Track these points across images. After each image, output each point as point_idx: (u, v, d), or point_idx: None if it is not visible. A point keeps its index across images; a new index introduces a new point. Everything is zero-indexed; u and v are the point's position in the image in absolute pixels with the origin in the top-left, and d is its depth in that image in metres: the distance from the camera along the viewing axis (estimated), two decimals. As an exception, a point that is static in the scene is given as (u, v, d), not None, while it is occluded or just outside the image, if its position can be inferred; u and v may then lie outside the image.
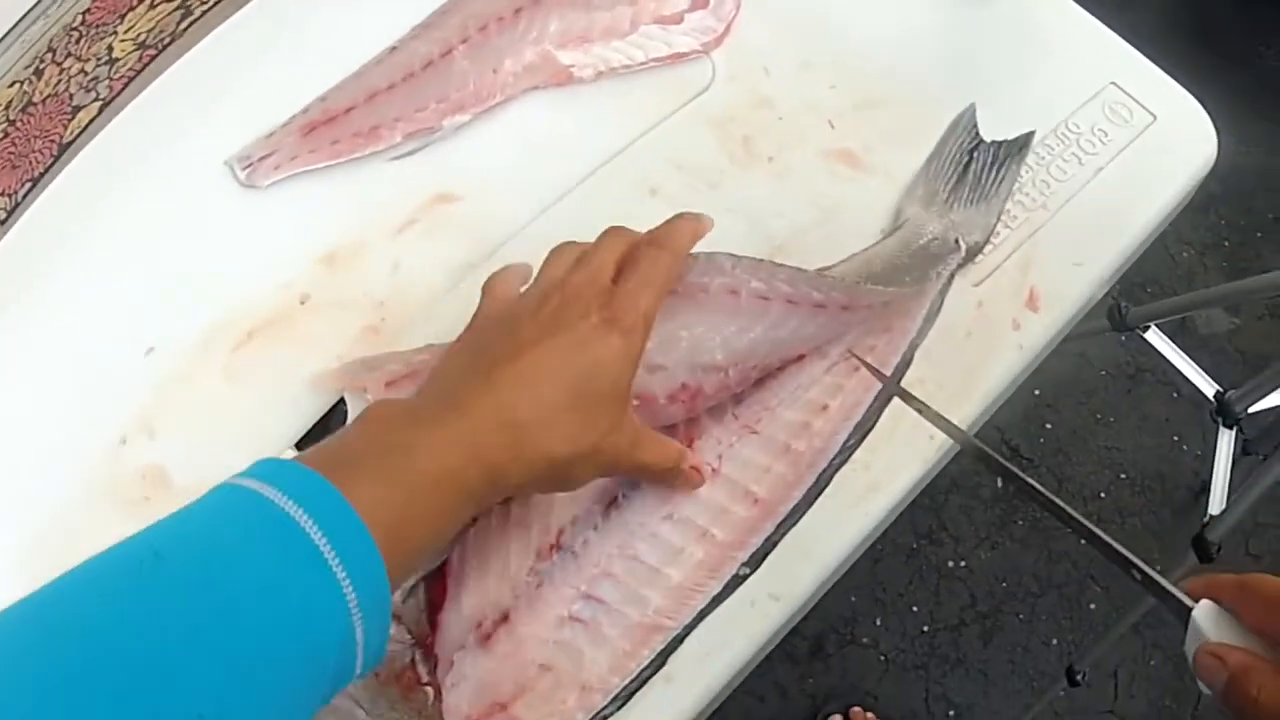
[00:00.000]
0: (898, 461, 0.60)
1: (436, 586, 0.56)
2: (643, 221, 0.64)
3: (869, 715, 1.44)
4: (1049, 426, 1.60)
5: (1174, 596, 0.44)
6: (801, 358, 0.60)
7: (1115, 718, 1.49)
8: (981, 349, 0.63)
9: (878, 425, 0.60)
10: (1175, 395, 1.64)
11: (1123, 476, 1.58)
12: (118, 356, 0.69)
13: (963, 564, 1.52)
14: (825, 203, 0.65)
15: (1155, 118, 0.70)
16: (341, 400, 0.65)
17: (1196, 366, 1.32)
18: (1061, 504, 0.51)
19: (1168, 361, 1.32)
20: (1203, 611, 0.42)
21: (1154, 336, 1.29)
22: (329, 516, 0.37)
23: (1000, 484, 1.53)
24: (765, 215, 0.64)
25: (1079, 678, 1.25)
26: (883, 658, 1.48)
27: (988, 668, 1.47)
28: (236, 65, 0.76)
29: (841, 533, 0.59)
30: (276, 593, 0.35)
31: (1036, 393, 1.58)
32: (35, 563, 0.64)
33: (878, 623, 1.50)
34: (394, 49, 0.71)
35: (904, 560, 1.52)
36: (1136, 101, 0.70)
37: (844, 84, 0.70)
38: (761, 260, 0.57)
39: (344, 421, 0.66)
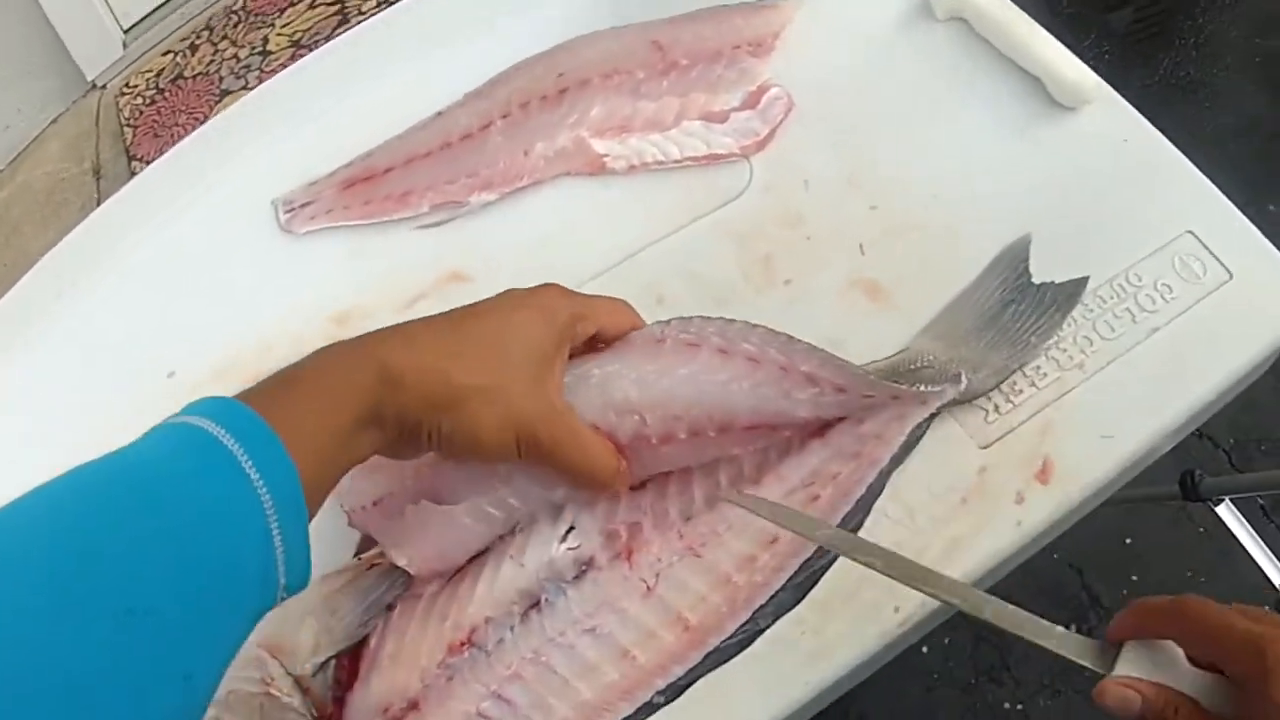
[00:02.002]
0: (852, 631, 0.56)
1: (350, 666, 0.58)
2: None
3: None
4: (1135, 578, 1.49)
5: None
6: (759, 473, 0.59)
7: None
8: (975, 520, 0.57)
9: (841, 584, 0.57)
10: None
11: None
12: (143, 374, 0.74)
13: (1019, 707, 1.44)
14: (835, 335, 0.62)
15: (1231, 276, 0.62)
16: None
17: (1271, 554, 1.18)
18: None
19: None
20: (1128, 649, 0.45)
21: (1226, 513, 1.16)
22: (244, 431, 0.42)
23: (1073, 630, 1.45)
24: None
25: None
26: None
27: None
28: (305, 99, 0.81)
29: (777, 696, 0.56)
30: (195, 494, 0.40)
31: (1128, 541, 1.48)
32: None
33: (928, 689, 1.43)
34: (439, 114, 0.74)
35: (959, 692, 1.44)
36: (1213, 255, 0.63)
37: (886, 206, 0.67)
38: (692, 317, 0.58)
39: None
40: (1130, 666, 0.45)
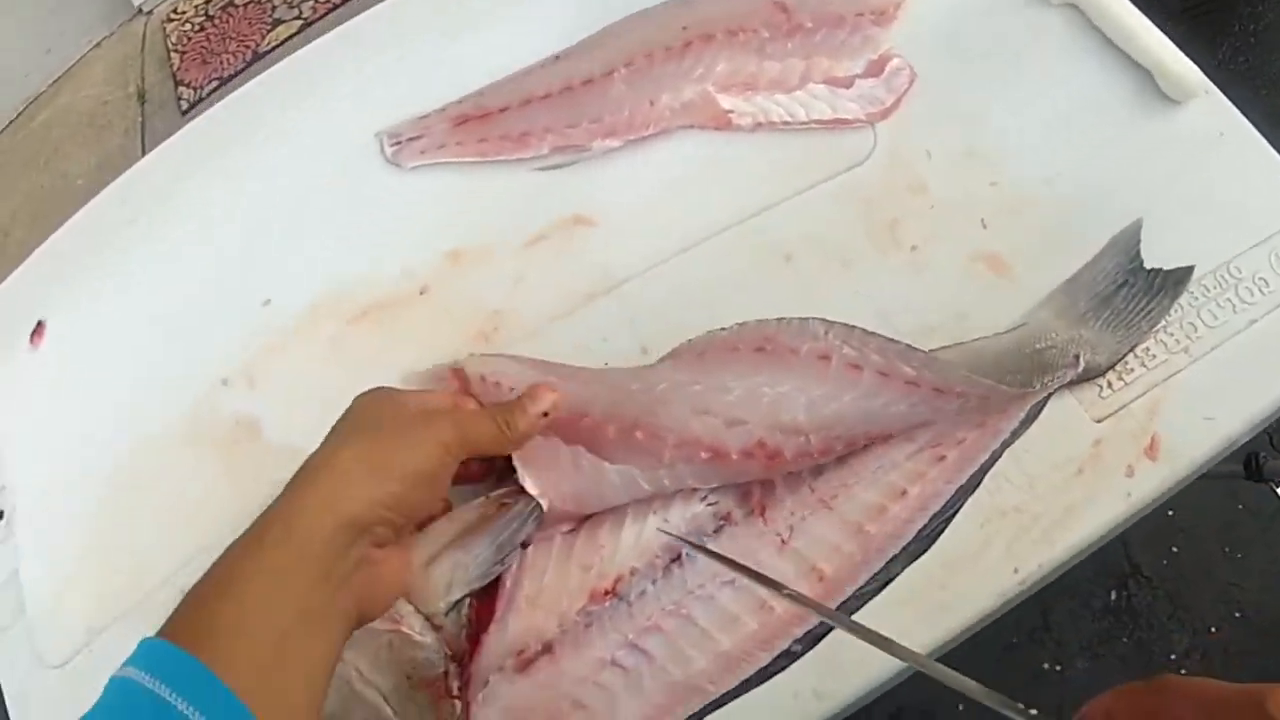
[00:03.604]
0: (975, 588, 0.60)
1: (484, 607, 0.60)
2: (771, 286, 0.66)
3: None
4: (1175, 550, 1.56)
5: None
6: (888, 438, 0.61)
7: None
8: (1089, 489, 0.62)
9: (965, 547, 0.61)
10: (1312, 547, 1.59)
11: (1238, 615, 1.54)
12: (237, 300, 0.74)
13: (1058, 668, 1.51)
14: (959, 305, 0.66)
15: None
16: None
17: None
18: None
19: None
20: None
21: None
22: (177, 677, 0.42)
23: (1114, 597, 1.52)
24: (894, 306, 0.65)
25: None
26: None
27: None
28: (408, 35, 0.80)
29: (903, 642, 0.59)
30: None
31: (1170, 513, 1.55)
32: (118, 483, 0.70)
33: (959, 709, 1.49)
34: (557, 58, 0.74)
35: (1000, 652, 1.51)
36: (1306, 252, 0.68)
37: (1006, 182, 0.70)
38: (854, 327, 0.59)
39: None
40: None
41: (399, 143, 0.75)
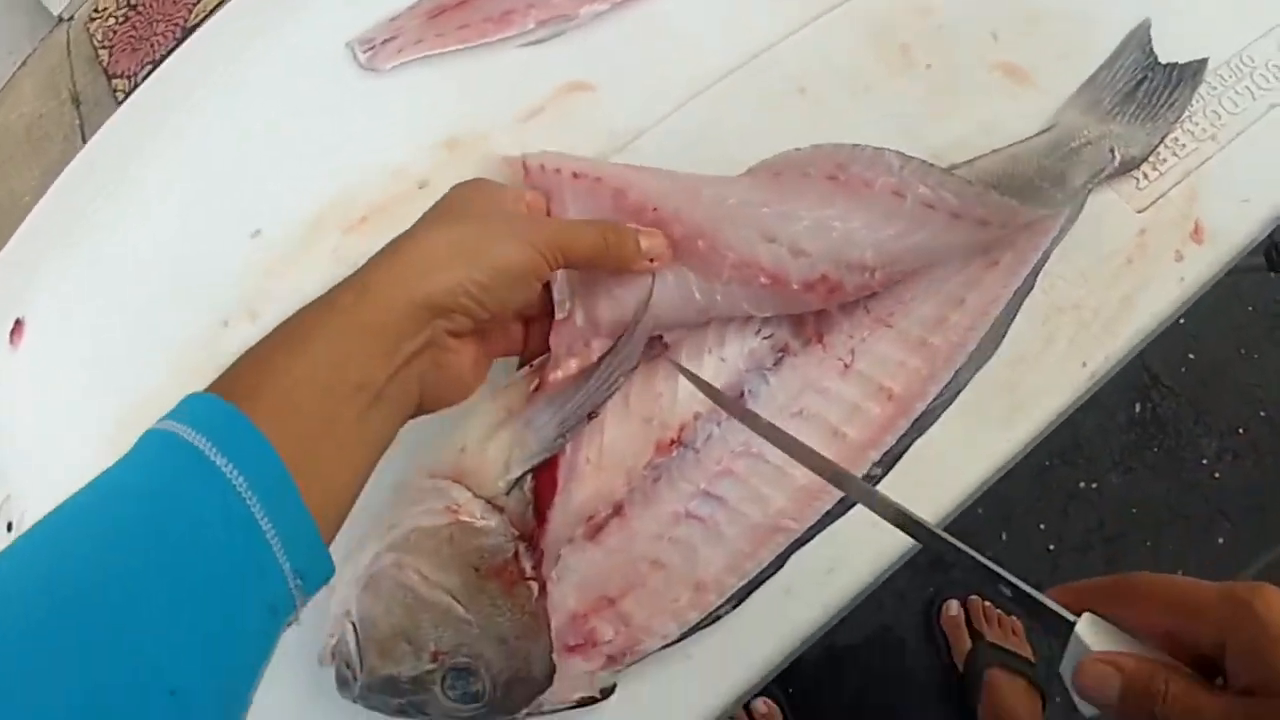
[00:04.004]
0: (1046, 387, 0.59)
1: (545, 479, 0.56)
2: (788, 120, 0.64)
3: (986, 604, 1.45)
4: (1191, 357, 1.59)
5: (1051, 612, 0.39)
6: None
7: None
8: (1141, 278, 0.61)
9: (1030, 348, 0.59)
10: (1325, 339, 1.63)
11: (1262, 414, 1.57)
12: (223, 237, 0.70)
13: (1094, 486, 1.54)
14: (983, 115, 0.64)
15: None
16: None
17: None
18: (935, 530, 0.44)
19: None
20: (1085, 624, 0.38)
21: None
22: (205, 418, 0.39)
23: (1139, 409, 1.56)
24: (919, 124, 0.64)
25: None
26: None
27: (1110, 591, 1.51)
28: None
29: (983, 453, 0.58)
30: (156, 499, 0.37)
31: (1181, 321, 1.59)
32: (121, 439, 0.66)
33: (1002, 537, 1.52)
34: (529, -70, 0.72)
35: (1034, 476, 1.53)
36: (1313, 36, 0.68)
37: (1011, -10, 0.69)
38: (930, 165, 0.55)
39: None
40: (1096, 641, 0.38)
41: (372, 47, 0.72)
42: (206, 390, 0.41)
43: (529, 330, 0.56)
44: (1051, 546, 1.54)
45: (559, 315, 0.54)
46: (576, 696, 0.55)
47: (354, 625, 0.53)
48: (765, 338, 0.58)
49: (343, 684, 0.54)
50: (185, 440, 0.38)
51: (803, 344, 0.58)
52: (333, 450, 0.42)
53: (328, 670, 0.53)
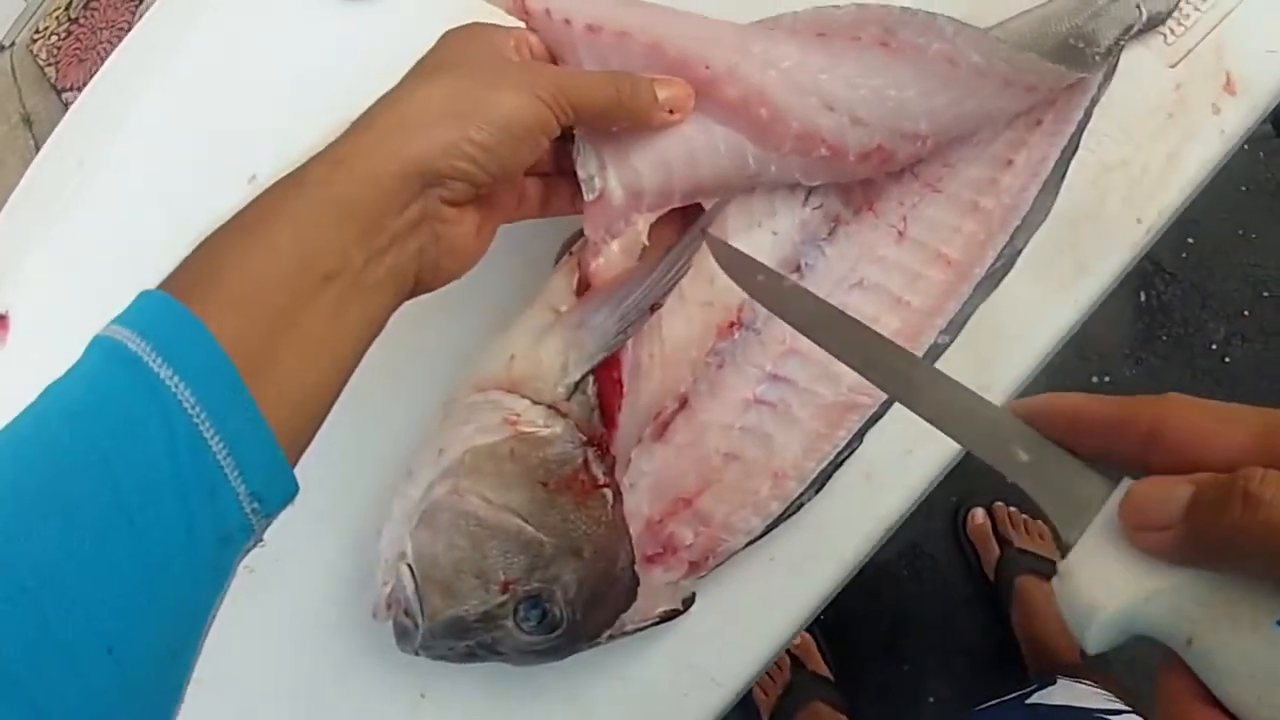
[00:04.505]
0: (1104, 245, 0.58)
1: (606, 379, 0.52)
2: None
3: (1011, 509, 1.45)
4: (1190, 241, 1.60)
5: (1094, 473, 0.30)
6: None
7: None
8: (1183, 133, 0.60)
9: (1083, 208, 0.58)
10: (1323, 211, 1.66)
11: (1266, 295, 1.58)
12: (218, 186, 0.66)
13: (1106, 379, 1.55)
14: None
15: None
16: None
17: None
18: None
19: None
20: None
21: None
22: (149, 322, 0.35)
23: (1144, 298, 1.58)
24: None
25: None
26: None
27: (1130, 482, 1.55)
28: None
29: (1051, 316, 0.56)
30: (93, 423, 0.33)
31: None
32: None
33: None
34: None
35: (1047, 374, 1.53)
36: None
37: None
38: (982, 32, 0.53)
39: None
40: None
41: (354, -23, 0.69)
42: (161, 284, 0.37)
43: (544, 190, 0.51)
44: (1069, 442, 1.56)
45: (589, 195, 0.49)
46: (660, 611, 0.52)
47: (410, 567, 0.49)
48: (816, 208, 0.56)
49: (403, 635, 0.50)
50: (127, 348, 0.34)
51: (853, 213, 0.56)
52: (297, 350, 0.37)
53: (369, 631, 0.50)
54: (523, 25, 0.50)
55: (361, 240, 0.39)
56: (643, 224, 0.51)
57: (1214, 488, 0.26)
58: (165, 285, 0.37)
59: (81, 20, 0.90)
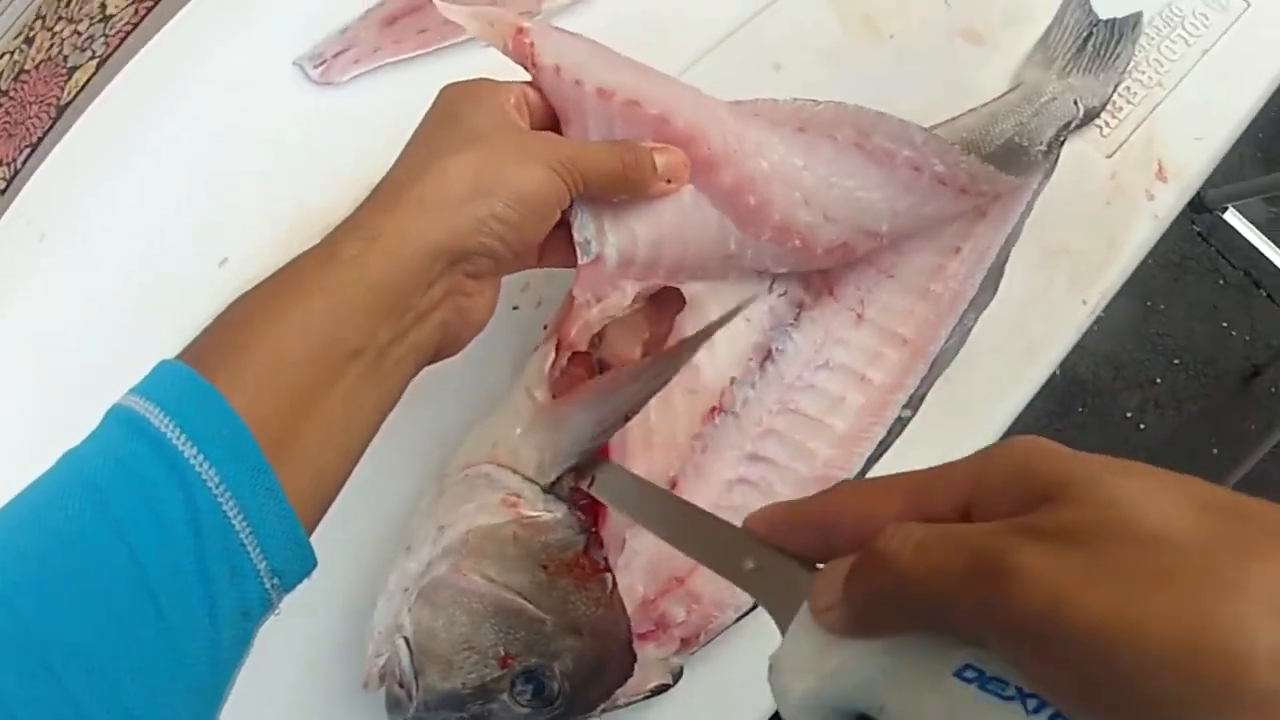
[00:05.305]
0: (1052, 326, 0.63)
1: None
2: (770, 95, 0.66)
3: None
4: (1102, 316, 1.68)
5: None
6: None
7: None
8: (1120, 218, 0.67)
9: (1031, 290, 0.64)
10: (1221, 282, 1.75)
11: (1176, 362, 1.67)
12: (189, 271, 0.67)
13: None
14: (951, 78, 0.68)
15: (1249, 5, 0.74)
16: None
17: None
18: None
19: (1213, 249, 1.45)
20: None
21: (1233, 218, 1.43)
22: (170, 395, 0.35)
23: (1058, 371, 1.69)
24: (893, 92, 0.66)
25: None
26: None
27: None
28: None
29: (1003, 395, 0.61)
30: (113, 497, 0.33)
31: None
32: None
33: None
34: (480, -77, 0.71)
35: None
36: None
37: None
38: (947, 143, 0.58)
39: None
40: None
41: (323, 61, 0.71)
42: (183, 354, 0.37)
43: (543, 244, 0.51)
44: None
45: (584, 258, 0.50)
46: (651, 685, 0.54)
47: (407, 640, 0.50)
48: (781, 294, 0.59)
49: (395, 706, 0.51)
50: (149, 423, 0.34)
51: (814, 297, 0.60)
52: (318, 427, 0.37)
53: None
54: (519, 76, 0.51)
55: (389, 319, 0.40)
56: (629, 290, 0.52)
57: (859, 557, 0.28)
58: (188, 354, 0.37)
59: (11, 93, 0.89)
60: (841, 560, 0.29)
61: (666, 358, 0.52)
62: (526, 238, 0.44)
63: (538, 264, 0.52)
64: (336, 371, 0.38)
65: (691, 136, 0.51)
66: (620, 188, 0.49)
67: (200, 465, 0.34)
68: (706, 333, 0.50)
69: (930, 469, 0.29)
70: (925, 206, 0.58)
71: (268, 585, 0.35)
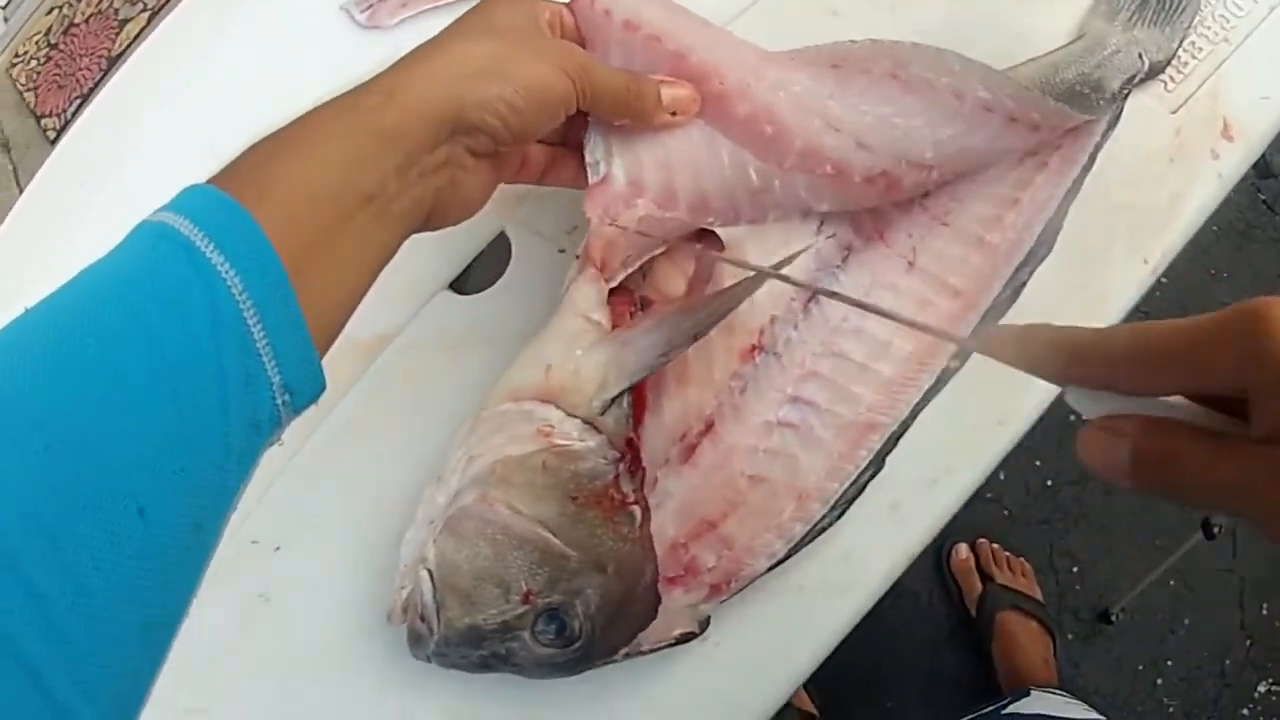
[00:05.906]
0: (1111, 284, 0.62)
1: (636, 395, 0.54)
2: (828, 42, 0.65)
3: (994, 546, 1.50)
4: (1164, 281, 1.66)
5: None
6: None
7: (1235, 576, 1.59)
8: (1184, 176, 0.64)
9: (1090, 247, 0.62)
10: (1288, 251, 1.73)
11: None
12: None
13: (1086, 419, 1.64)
14: (1014, 27, 0.67)
15: None
16: (502, 232, 0.64)
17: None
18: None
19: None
20: (1073, 393, 0.33)
21: None
22: (200, 209, 0.37)
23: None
24: (954, 39, 0.64)
25: (1215, 530, 1.26)
26: (1006, 511, 1.59)
27: (1111, 523, 1.60)
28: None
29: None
30: (137, 296, 0.35)
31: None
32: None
33: (1001, 477, 1.57)
34: None
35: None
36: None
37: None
38: (988, 68, 0.57)
39: (506, 252, 0.64)
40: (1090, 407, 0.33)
41: (370, 5, 0.71)
42: (208, 182, 0.38)
43: (548, 159, 0.54)
44: (1049, 482, 1.61)
45: (593, 177, 0.52)
46: (677, 633, 0.53)
47: (430, 572, 0.50)
48: (829, 236, 0.58)
49: (416, 641, 0.51)
50: (178, 230, 0.35)
51: (865, 241, 0.59)
52: (330, 265, 0.39)
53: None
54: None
55: (399, 170, 0.42)
56: (643, 208, 0.53)
57: (1146, 455, 0.30)
58: (216, 181, 0.38)
59: (61, 46, 0.90)
60: (1111, 431, 0.31)
61: (734, 287, 0.53)
62: (527, 126, 0.46)
63: (539, 180, 0.54)
64: (350, 213, 0.40)
65: (705, 72, 0.53)
66: (623, 111, 0.51)
67: (226, 272, 0.35)
68: (773, 268, 0.51)
69: (1183, 331, 0.31)
70: (973, 135, 0.57)
71: (279, 401, 0.36)
